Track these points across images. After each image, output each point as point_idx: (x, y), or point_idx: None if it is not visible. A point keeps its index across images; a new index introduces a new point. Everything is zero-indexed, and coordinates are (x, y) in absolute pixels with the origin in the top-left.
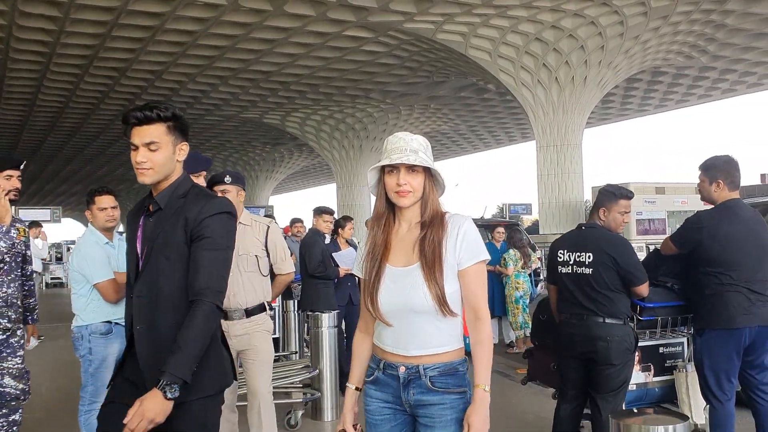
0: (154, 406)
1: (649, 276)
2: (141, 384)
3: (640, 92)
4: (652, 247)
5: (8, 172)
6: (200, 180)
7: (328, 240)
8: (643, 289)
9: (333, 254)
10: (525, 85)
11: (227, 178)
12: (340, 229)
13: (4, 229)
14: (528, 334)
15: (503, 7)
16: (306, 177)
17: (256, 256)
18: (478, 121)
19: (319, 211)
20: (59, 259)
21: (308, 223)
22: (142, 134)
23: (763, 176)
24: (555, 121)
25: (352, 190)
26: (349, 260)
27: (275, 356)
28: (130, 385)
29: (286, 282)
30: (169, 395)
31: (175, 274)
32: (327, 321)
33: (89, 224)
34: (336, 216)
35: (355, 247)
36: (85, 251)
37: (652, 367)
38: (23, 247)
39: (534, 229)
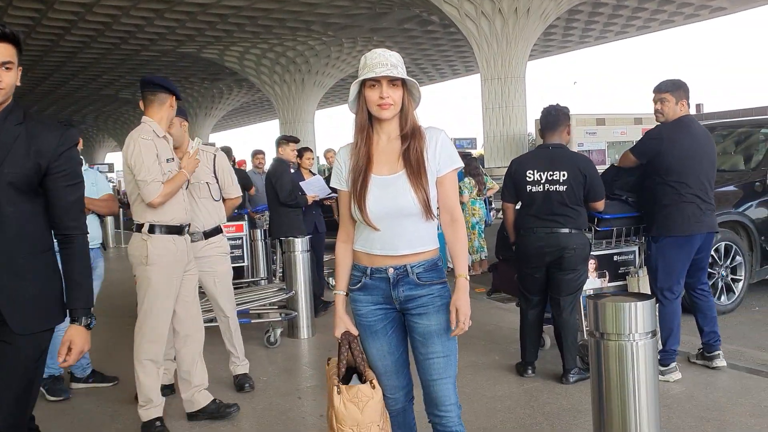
0: (82, 338)
1: (606, 189)
2: None
3: (581, 24)
4: None
5: None
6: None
7: (294, 170)
8: (601, 204)
9: (300, 183)
10: (469, 17)
11: None
12: (299, 159)
13: None
14: (483, 257)
15: None
16: (247, 113)
17: (207, 183)
18: (422, 54)
19: (284, 140)
20: None
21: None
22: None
23: (698, 106)
24: (499, 53)
25: (296, 125)
26: (316, 188)
27: (245, 282)
28: None
29: (234, 205)
30: (87, 324)
31: (22, 204)
32: (300, 245)
33: None
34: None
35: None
36: None
37: (607, 274)
38: None
39: (480, 163)
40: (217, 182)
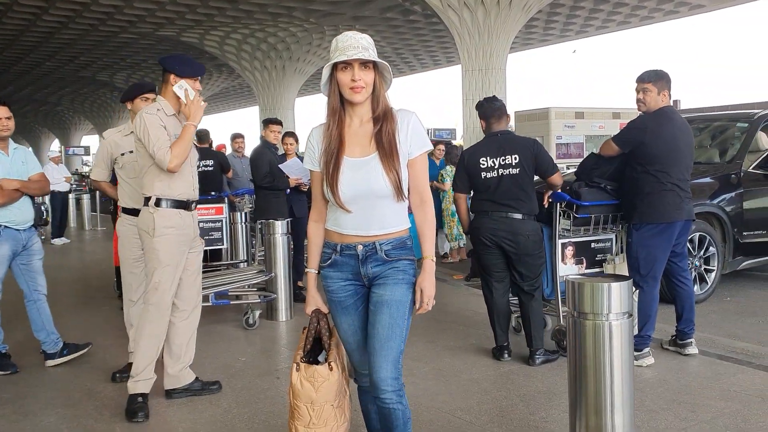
0: None
1: (585, 177)
2: None
3: (563, 17)
4: (571, 169)
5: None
6: (197, 84)
7: (282, 152)
8: (557, 177)
9: (279, 165)
10: (451, 7)
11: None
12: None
13: None
14: (461, 245)
15: None
16: (226, 99)
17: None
18: (403, 44)
19: (267, 122)
20: None
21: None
22: None
23: (675, 102)
24: (480, 44)
25: (276, 112)
26: (295, 170)
27: (224, 264)
28: None
29: None
30: None
31: None
32: (280, 228)
33: None
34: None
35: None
36: None
37: (584, 261)
38: None
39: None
40: None
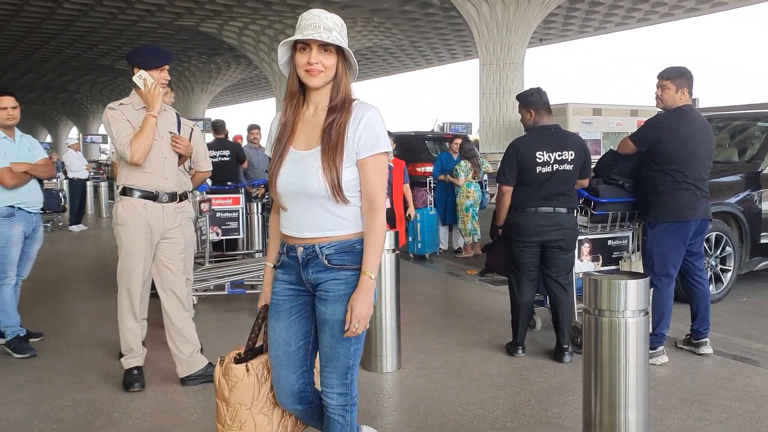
0: None
1: (603, 175)
2: None
3: (582, 13)
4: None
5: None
6: (164, 74)
7: None
8: (586, 182)
9: None
10: (470, 1)
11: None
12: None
13: None
14: (476, 240)
15: None
16: (244, 90)
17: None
18: (421, 37)
19: None
20: None
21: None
22: None
23: (694, 101)
24: (498, 38)
25: None
26: None
27: (240, 254)
28: None
29: (203, 178)
30: None
31: None
32: None
33: None
34: None
35: None
36: None
37: (600, 258)
38: None
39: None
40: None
